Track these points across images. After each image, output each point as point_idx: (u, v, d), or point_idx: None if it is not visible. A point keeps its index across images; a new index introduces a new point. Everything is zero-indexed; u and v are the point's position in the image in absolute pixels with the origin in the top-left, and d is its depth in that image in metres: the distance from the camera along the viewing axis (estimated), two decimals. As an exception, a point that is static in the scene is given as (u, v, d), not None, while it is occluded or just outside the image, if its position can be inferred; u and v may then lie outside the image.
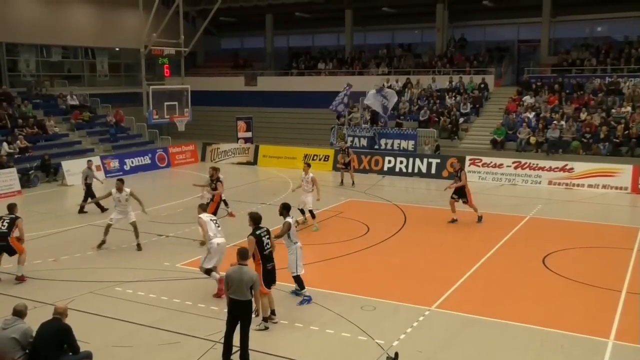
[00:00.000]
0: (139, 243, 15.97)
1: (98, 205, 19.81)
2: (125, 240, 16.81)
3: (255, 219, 11.08)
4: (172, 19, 32.08)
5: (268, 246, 11.00)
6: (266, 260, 10.93)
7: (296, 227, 12.05)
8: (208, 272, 12.41)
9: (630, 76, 30.64)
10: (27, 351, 8.15)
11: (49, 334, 8.15)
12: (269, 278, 10.91)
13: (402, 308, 11.87)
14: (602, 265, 14.66)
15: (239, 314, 9.42)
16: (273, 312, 11.12)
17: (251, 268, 9.85)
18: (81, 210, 20.34)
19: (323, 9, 41.05)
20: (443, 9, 38.52)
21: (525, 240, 16.81)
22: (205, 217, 12.82)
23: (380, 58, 39.98)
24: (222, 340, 9.64)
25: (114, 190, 16.16)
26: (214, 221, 12.81)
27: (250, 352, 9.65)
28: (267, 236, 11.02)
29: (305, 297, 12.05)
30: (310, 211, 17.96)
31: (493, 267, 14.53)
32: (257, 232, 10.90)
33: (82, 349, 8.54)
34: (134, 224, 16.01)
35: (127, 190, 16.17)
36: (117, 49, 40.78)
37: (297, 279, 12.04)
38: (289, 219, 11.90)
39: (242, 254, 9.65)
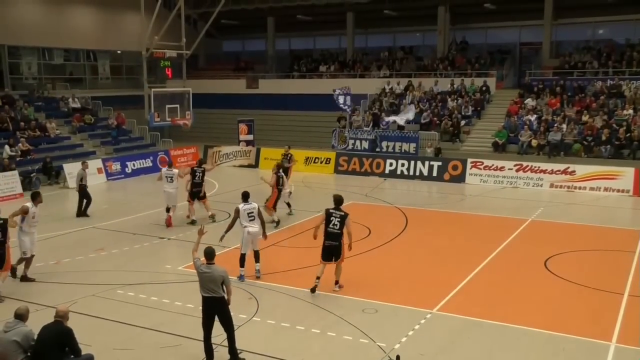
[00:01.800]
0: (25, 275, 13.73)
1: (84, 212, 20.24)
2: (127, 243, 16.83)
3: (336, 201, 12.76)
4: (174, 21, 32.12)
5: (336, 227, 12.46)
6: (326, 236, 12.55)
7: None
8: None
9: (632, 79, 30.59)
10: (28, 354, 8.15)
11: (50, 337, 8.15)
12: (323, 253, 12.61)
13: (404, 311, 11.87)
14: (604, 268, 14.65)
15: (215, 311, 9.53)
16: (336, 282, 12.79)
17: (220, 265, 9.78)
18: (82, 214, 20.21)
19: (324, 11, 41.07)
20: (444, 12, 38.52)
21: (527, 243, 16.80)
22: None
23: (382, 61, 39.98)
24: (225, 343, 9.66)
25: (30, 204, 13.59)
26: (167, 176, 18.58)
27: (251, 354, 9.66)
28: (339, 218, 12.45)
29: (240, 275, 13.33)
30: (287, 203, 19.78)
31: (495, 270, 14.53)
32: (330, 210, 12.58)
33: (83, 352, 8.54)
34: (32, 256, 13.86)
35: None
36: (118, 51, 40.82)
37: (241, 257, 13.39)
38: (239, 205, 13.37)
39: (208, 254, 9.66)
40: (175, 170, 19.00)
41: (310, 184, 25.26)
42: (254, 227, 13.35)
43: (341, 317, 11.47)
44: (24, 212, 13.34)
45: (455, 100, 32.72)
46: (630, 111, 28.16)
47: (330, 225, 12.50)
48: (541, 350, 10.25)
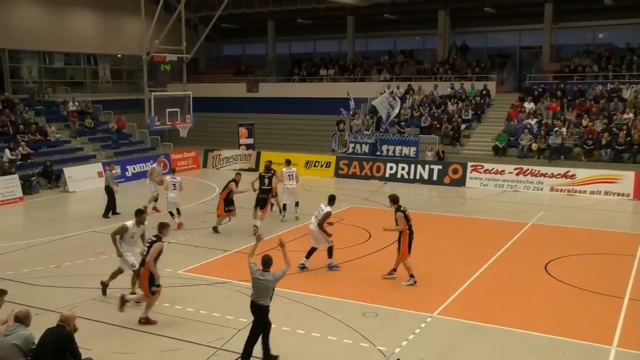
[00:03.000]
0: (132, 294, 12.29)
1: (114, 211, 20.71)
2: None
3: (394, 200, 13.65)
4: (174, 25, 32.20)
5: (410, 221, 13.43)
6: (411, 232, 13.36)
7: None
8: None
9: (632, 82, 30.60)
10: (28, 358, 8.14)
11: (50, 342, 8.13)
12: (411, 246, 13.40)
13: (404, 314, 11.87)
14: (605, 272, 14.65)
15: (255, 315, 9.64)
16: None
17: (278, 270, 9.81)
18: (114, 213, 20.72)
19: (325, 15, 41.06)
20: (445, 16, 38.56)
21: (527, 247, 16.79)
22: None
23: (382, 64, 40.00)
24: (225, 347, 9.67)
25: (130, 223, 12.53)
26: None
27: (251, 358, 9.64)
28: (407, 211, 13.46)
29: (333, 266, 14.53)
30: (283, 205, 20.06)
31: (495, 274, 14.52)
32: (402, 209, 13.33)
33: (83, 356, 8.52)
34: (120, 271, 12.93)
35: (146, 223, 12.91)
36: (119, 55, 40.89)
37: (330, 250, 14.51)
38: (322, 204, 14.50)
39: (265, 262, 9.71)
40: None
41: (311, 187, 25.25)
42: (311, 225, 14.41)
43: (341, 320, 11.47)
44: (124, 230, 12.39)
45: (456, 104, 32.75)
46: (631, 115, 28.18)
47: (409, 222, 13.49)
48: (542, 355, 10.24)
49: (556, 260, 15.32)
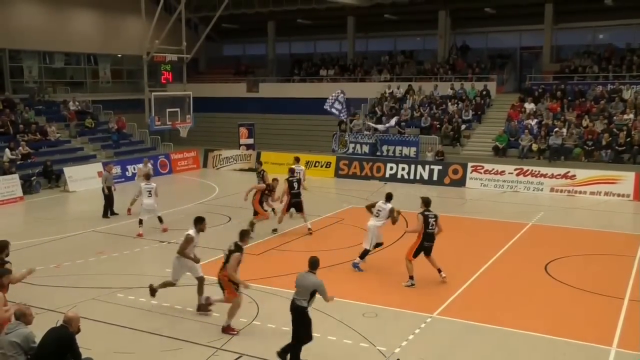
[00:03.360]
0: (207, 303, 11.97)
1: (112, 212, 20.62)
2: (127, 246, 16.82)
3: (426, 202, 13.75)
4: (175, 25, 32.19)
5: (433, 227, 13.42)
6: (426, 237, 13.40)
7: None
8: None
9: (632, 83, 30.61)
10: (29, 357, 8.15)
11: (51, 342, 8.14)
12: (420, 251, 13.49)
13: (404, 315, 11.87)
14: (605, 273, 14.65)
15: (293, 317, 9.66)
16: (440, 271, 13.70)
17: (316, 276, 9.76)
18: (112, 213, 20.64)
19: (325, 15, 41.04)
20: (445, 16, 38.56)
21: (528, 248, 16.79)
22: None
23: (382, 65, 40.00)
24: (224, 347, 9.65)
25: (193, 232, 11.98)
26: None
27: (251, 358, 9.64)
28: (434, 219, 13.48)
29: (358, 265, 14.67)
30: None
31: (495, 274, 14.52)
32: (426, 213, 13.47)
33: (83, 356, 8.53)
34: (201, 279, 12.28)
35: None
36: (119, 55, 40.89)
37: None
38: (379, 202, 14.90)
39: (312, 263, 9.84)
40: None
41: (311, 187, 25.19)
42: (371, 221, 14.82)
43: (341, 320, 11.46)
44: (190, 242, 11.92)
45: (456, 105, 32.75)
46: (631, 115, 28.19)
47: (430, 227, 13.44)
48: (542, 355, 10.23)
49: (556, 261, 15.32)
